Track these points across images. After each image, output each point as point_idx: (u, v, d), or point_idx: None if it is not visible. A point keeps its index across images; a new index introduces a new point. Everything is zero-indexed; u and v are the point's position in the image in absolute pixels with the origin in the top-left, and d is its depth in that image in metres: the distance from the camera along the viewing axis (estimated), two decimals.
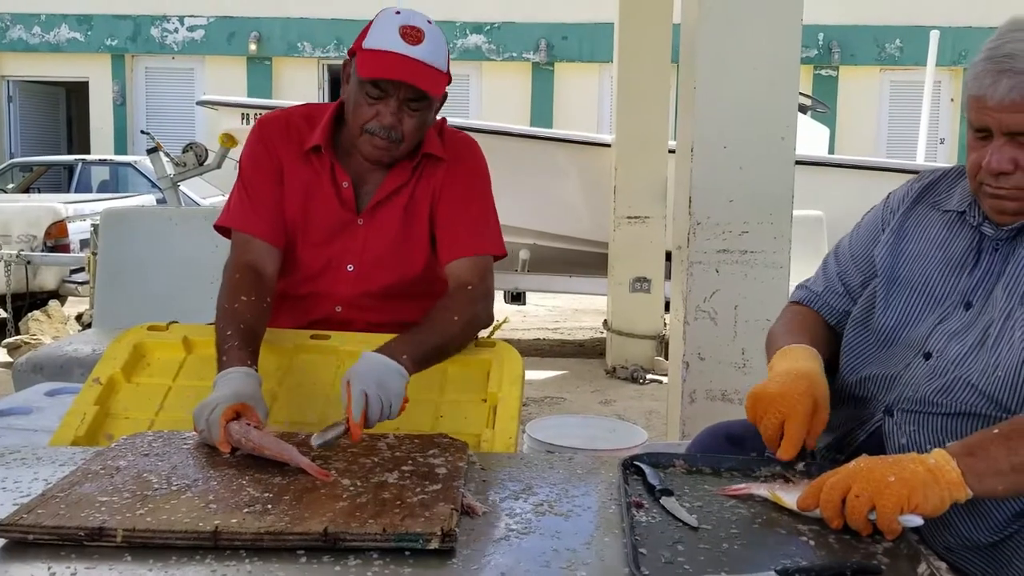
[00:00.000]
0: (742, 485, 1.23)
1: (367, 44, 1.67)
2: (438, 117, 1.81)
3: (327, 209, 1.77)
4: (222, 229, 1.81)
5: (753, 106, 2.61)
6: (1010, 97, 1.19)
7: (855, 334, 1.43)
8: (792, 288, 2.65)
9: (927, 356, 1.31)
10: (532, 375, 5.07)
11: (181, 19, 14.50)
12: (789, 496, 1.17)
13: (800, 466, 1.27)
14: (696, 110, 2.63)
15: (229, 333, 1.54)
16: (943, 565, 1.03)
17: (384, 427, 1.54)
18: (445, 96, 1.78)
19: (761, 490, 1.21)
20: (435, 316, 1.63)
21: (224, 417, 1.33)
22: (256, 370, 1.50)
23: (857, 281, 1.48)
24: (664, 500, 1.19)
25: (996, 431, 1.13)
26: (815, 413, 1.27)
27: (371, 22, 1.69)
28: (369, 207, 1.77)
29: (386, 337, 1.59)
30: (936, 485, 1.06)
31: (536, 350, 5.92)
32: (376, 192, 1.77)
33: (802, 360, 1.34)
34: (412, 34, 1.64)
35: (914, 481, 1.06)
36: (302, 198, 1.77)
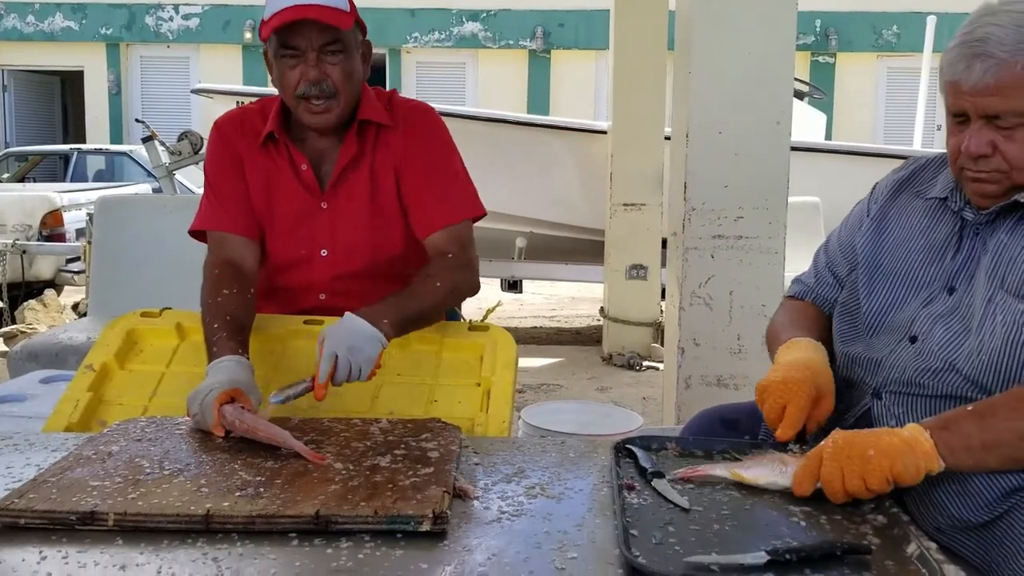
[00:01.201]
0: (700, 468, 1.24)
1: (266, 15, 1.67)
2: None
3: (291, 195, 1.77)
4: (197, 234, 1.81)
5: (748, 92, 2.61)
6: (984, 81, 1.20)
7: (842, 320, 1.45)
8: (787, 274, 2.66)
9: (913, 340, 1.32)
10: (529, 362, 5.08)
11: (176, 7, 14.43)
12: (749, 472, 1.20)
13: (795, 447, 1.28)
14: (691, 96, 2.62)
15: (216, 326, 1.55)
16: (933, 545, 1.04)
17: (379, 412, 1.55)
18: (368, 47, 1.77)
19: (718, 470, 1.23)
20: (417, 283, 1.64)
21: (218, 401, 1.33)
22: (247, 358, 1.50)
23: (844, 271, 1.50)
24: (656, 482, 1.20)
25: (970, 408, 1.18)
26: (819, 401, 1.30)
27: None
28: (330, 187, 1.76)
29: None
30: (912, 454, 1.12)
31: (533, 338, 5.92)
32: (334, 169, 1.76)
33: (805, 351, 1.37)
34: None
35: (892, 451, 1.11)
36: (265, 189, 1.77)
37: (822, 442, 1.16)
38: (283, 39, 1.66)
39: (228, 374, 1.41)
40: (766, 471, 1.20)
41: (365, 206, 1.76)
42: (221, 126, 1.82)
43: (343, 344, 1.42)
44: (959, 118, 1.27)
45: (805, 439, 1.29)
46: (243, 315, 1.61)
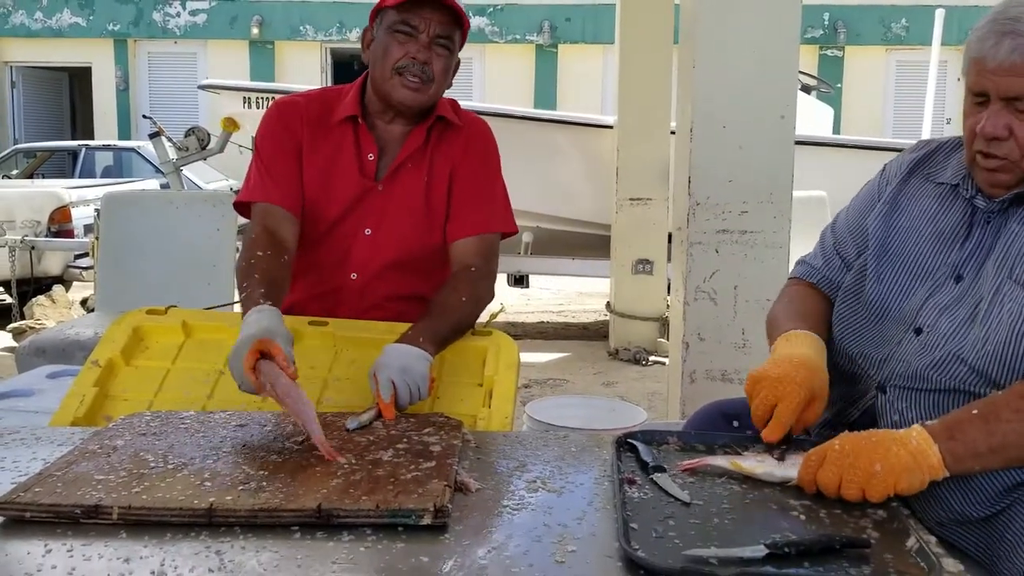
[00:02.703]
0: (699, 459, 1.25)
1: None
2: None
3: (348, 180, 1.79)
4: (241, 207, 1.83)
5: (752, 85, 2.60)
6: (1011, 59, 1.19)
7: (847, 306, 1.42)
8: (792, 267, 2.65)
9: (918, 331, 1.30)
10: (535, 357, 5.08)
11: (183, 3, 14.46)
12: (748, 463, 1.20)
13: (778, 450, 1.26)
14: (695, 90, 2.62)
15: (246, 285, 1.56)
16: (932, 539, 1.04)
17: None
18: (458, 64, 1.81)
19: (719, 461, 1.23)
20: (443, 299, 1.68)
21: (247, 362, 1.34)
22: (273, 304, 1.49)
23: (852, 252, 1.47)
24: (656, 476, 1.20)
25: (975, 411, 1.15)
26: (810, 403, 1.26)
27: None
28: (389, 172, 1.79)
29: (383, 325, 1.68)
30: (918, 470, 1.10)
31: (539, 333, 5.93)
32: (396, 157, 1.80)
33: (804, 347, 1.33)
34: None
35: (898, 468, 1.10)
36: (324, 171, 1.80)
37: (828, 442, 1.14)
38: (404, 16, 1.69)
39: (255, 326, 1.41)
40: (764, 462, 1.20)
41: (418, 197, 1.80)
42: (282, 106, 1.84)
43: (395, 369, 1.45)
44: (979, 98, 1.25)
45: (790, 440, 1.26)
46: (274, 273, 1.61)
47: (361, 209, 1.79)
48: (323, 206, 1.80)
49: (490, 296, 1.78)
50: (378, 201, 1.79)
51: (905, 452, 1.10)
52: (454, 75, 1.81)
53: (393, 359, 1.47)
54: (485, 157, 1.84)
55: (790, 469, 1.18)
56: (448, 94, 1.85)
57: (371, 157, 1.79)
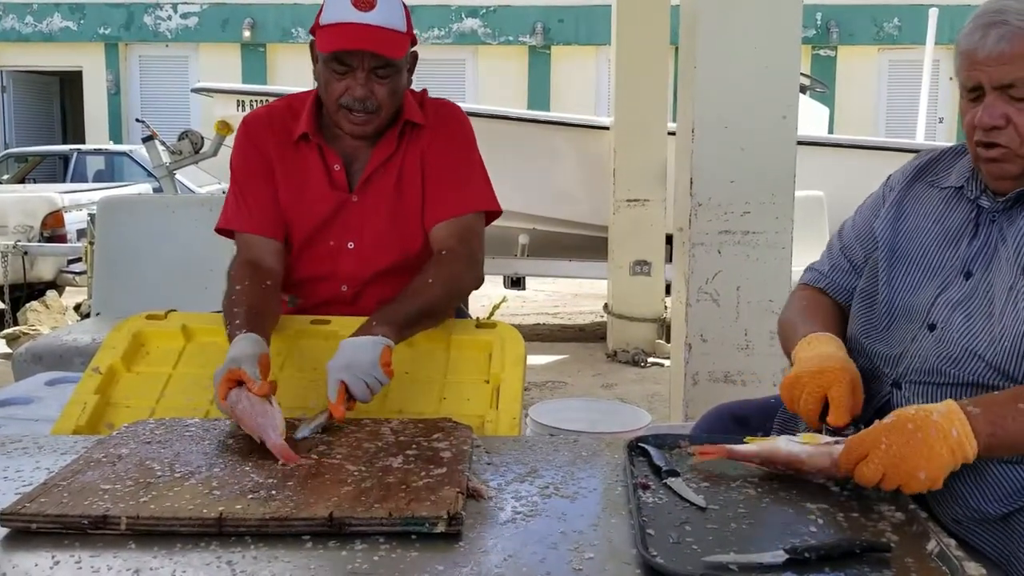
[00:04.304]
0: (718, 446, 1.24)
1: (323, 20, 1.68)
2: (420, 88, 1.83)
3: (321, 193, 1.78)
4: (224, 231, 1.83)
5: (754, 86, 2.59)
6: (999, 48, 1.20)
7: (863, 305, 1.43)
8: (795, 269, 2.64)
9: (931, 327, 1.31)
10: (533, 360, 5.05)
11: (174, 6, 14.41)
12: (774, 444, 1.20)
13: (850, 430, 1.25)
14: (697, 90, 2.61)
15: (227, 321, 1.58)
16: (952, 542, 1.03)
17: (388, 411, 1.54)
18: (415, 57, 1.78)
19: (777, 445, 1.21)
20: (412, 283, 1.65)
21: (220, 392, 1.36)
22: (249, 331, 1.50)
23: (861, 257, 1.49)
24: (670, 481, 1.19)
25: (1022, 405, 1.14)
26: (853, 391, 1.28)
27: None
28: (360, 183, 1.78)
29: None
30: (954, 465, 1.11)
31: (536, 335, 5.91)
32: (366, 167, 1.78)
33: (828, 346, 1.36)
34: (364, 0, 1.64)
35: (939, 471, 1.10)
36: (296, 187, 1.78)
37: (872, 431, 1.13)
38: (336, 55, 1.66)
39: (228, 356, 1.43)
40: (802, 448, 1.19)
41: (392, 201, 1.78)
42: (249, 124, 1.83)
43: (341, 366, 1.43)
44: (973, 93, 1.26)
45: (855, 424, 1.26)
46: (253, 301, 1.62)
47: (340, 223, 1.78)
48: (301, 219, 1.78)
49: (473, 279, 1.75)
50: (355, 213, 1.78)
51: (947, 450, 1.10)
52: (412, 73, 1.78)
53: (339, 358, 1.44)
54: (453, 138, 1.80)
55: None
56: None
57: (337, 168, 1.77)
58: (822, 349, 1.34)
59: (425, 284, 1.64)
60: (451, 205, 1.76)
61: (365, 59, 1.65)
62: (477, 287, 1.78)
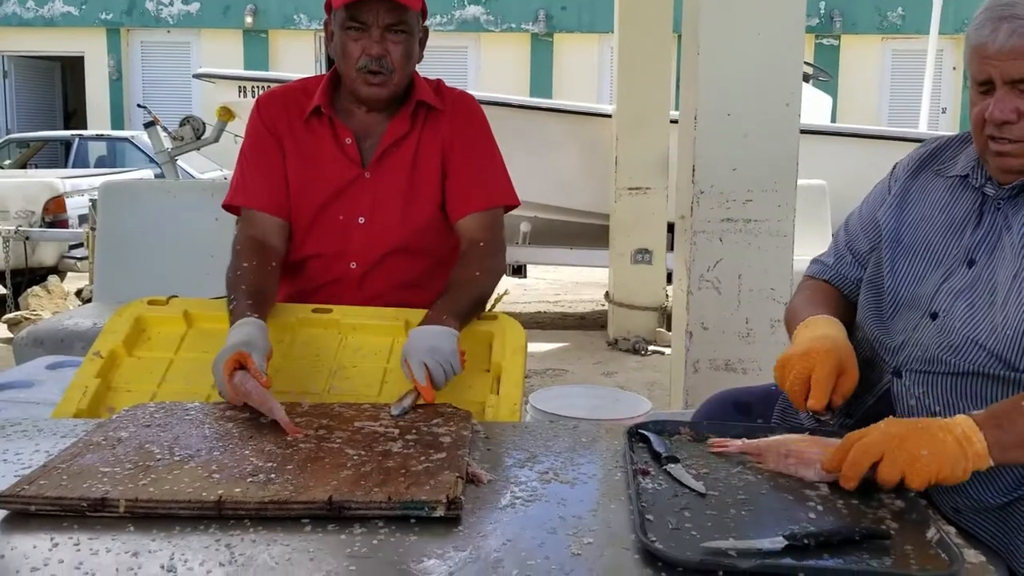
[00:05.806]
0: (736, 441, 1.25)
1: None
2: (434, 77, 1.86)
3: (333, 168, 1.80)
4: (231, 207, 1.85)
5: (757, 73, 2.58)
6: (1011, 43, 1.20)
7: (869, 293, 1.44)
8: (797, 257, 2.64)
9: (934, 316, 1.31)
10: (533, 348, 5.06)
11: None
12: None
13: (827, 416, 1.27)
14: (699, 78, 2.59)
15: (233, 297, 1.62)
16: (952, 529, 1.03)
17: (387, 396, 1.54)
18: (426, 32, 1.81)
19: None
20: (458, 276, 1.70)
21: (226, 372, 1.39)
22: (258, 316, 1.54)
23: (866, 248, 1.50)
24: (670, 467, 1.19)
25: None
26: (842, 373, 1.29)
27: None
28: (375, 159, 1.80)
29: (388, 311, 1.71)
30: (963, 458, 1.09)
31: (537, 323, 5.91)
32: (380, 143, 1.80)
33: (824, 328, 1.37)
34: None
35: (944, 456, 1.08)
36: (307, 160, 1.81)
37: (872, 425, 1.13)
38: (352, 13, 1.70)
39: (236, 338, 1.47)
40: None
41: (406, 181, 1.80)
42: (262, 103, 1.86)
43: (424, 351, 1.47)
44: (983, 86, 1.26)
45: (834, 410, 1.28)
46: (260, 283, 1.66)
47: (351, 197, 1.80)
48: (310, 193, 1.80)
49: (502, 269, 1.81)
50: (368, 189, 1.80)
51: (951, 439, 1.09)
52: (423, 48, 1.81)
53: (421, 341, 1.49)
54: (475, 133, 1.85)
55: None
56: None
57: (348, 141, 1.80)
58: (817, 331, 1.36)
59: (474, 277, 1.70)
60: (481, 198, 1.81)
61: (380, 15, 1.69)
62: (504, 273, 1.84)
